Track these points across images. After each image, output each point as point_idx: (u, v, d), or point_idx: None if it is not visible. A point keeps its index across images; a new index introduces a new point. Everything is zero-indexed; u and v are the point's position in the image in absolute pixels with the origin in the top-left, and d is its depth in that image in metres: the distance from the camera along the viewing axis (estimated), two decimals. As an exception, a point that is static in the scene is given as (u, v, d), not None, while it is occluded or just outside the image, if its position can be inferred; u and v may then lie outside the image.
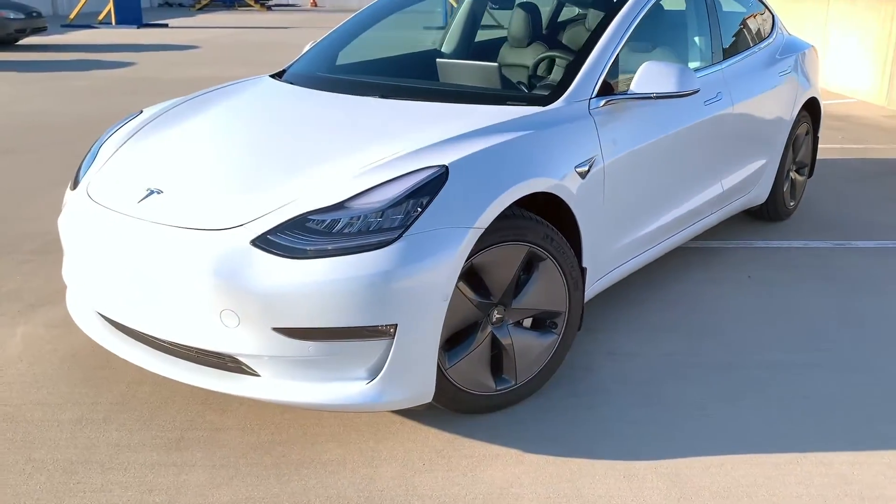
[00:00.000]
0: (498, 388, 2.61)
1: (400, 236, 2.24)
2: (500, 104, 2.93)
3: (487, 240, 2.41)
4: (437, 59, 3.69)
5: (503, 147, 2.55)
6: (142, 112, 3.29)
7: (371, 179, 2.37)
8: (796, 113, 4.47)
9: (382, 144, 2.58)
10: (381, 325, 2.24)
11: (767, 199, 4.47)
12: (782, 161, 4.44)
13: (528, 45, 4.05)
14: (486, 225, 2.36)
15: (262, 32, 19.50)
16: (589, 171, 2.79)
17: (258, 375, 2.35)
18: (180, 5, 32.35)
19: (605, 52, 3.05)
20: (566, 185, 2.68)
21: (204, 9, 30.00)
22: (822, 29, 10.22)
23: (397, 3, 4.12)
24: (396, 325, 2.24)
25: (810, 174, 5.01)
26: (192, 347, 2.39)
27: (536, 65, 3.60)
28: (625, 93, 2.99)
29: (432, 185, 2.33)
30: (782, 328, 3.33)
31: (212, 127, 3.02)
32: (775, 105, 4.24)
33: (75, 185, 2.92)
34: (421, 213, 2.28)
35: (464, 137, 2.57)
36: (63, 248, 2.81)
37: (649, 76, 2.94)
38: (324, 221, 2.29)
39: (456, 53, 4.40)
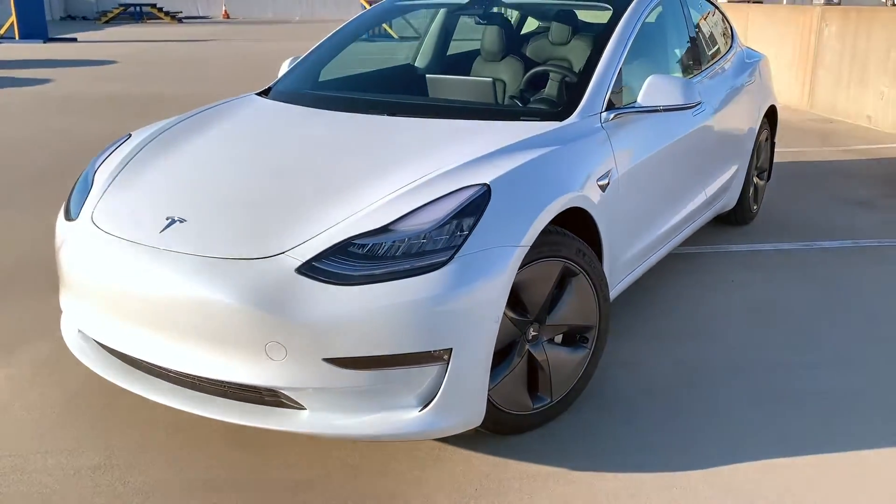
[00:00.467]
0: (535, 406, 2.58)
1: (451, 258, 2.19)
2: (514, 119, 2.92)
3: (527, 257, 2.38)
4: (428, 76, 3.65)
5: (538, 163, 2.54)
6: (130, 136, 3.13)
7: (412, 201, 2.31)
8: (761, 119, 4.64)
9: (412, 164, 2.52)
10: (436, 350, 2.18)
11: (736, 204, 4.62)
12: (749, 167, 4.61)
13: (502, 59, 4.05)
14: (531, 242, 2.34)
15: (181, 46, 18.94)
16: (608, 184, 2.82)
17: (303, 409, 2.25)
18: (84, 18, 31.12)
19: (611, 66, 3.09)
20: (592, 199, 2.69)
21: (110, 22, 28.94)
22: (742, 37, 10.65)
23: (375, 18, 4.06)
24: (451, 349, 2.19)
25: (768, 178, 5.21)
26: (228, 383, 2.27)
27: (530, 79, 3.61)
28: (632, 106, 3.03)
29: (476, 205, 2.30)
30: (777, 329, 3.43)
31: (219, 150, 2.90)
32: (745, 113, 4.39)
33: (69, 214, 2.75)
34: (469, 233, 2.24)
35: (496, 154, 2.54)
36: (64, 282, 2.62)
37: (655, 89, 2.99)
38: (371, 245, 2.22)
39: (430, 68, 4.37)
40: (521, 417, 2.56)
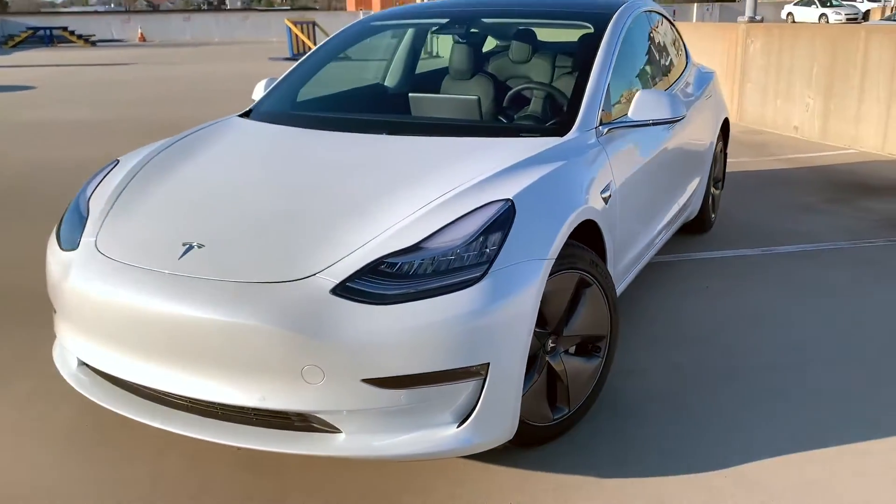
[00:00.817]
0: (555, 417, 2.61)
1: (486, 273, 2.20)
2: (514, 136, 2.97)
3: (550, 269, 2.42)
4: (411, 94, 3.66)
5: (553, 177, 2.58)
6: (118, 162, 3.03)
7: (439, 218, 2.32)
8: (718, 132, 4.84)
9: (428, 182, 2.53)
10: (474, 366, 2.19)
11: (698, 213, 4.79)
12: (709, 176, 4.79)
13: (471, 77, 4.11)
14: (556, 255, 2.38)
15: (100, 70, 18.37)
16: (609, 196, 2.89)
17: (339, 432, 2.22)
18: (-11, 43, 29.81)
19: (601, 81, 3.17)
20: (599, 211, 2.76)
21: (17, 46, 27.81)
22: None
23: (352, 38, 4.05)
24: (489, 363, 2.20)
25: (721, 187, 5.42)
26: (257, 409, 2.22)
27: (513, 97, 3.66)
28: (625, 120, 3.12)
29: (503, 220, 2.32)
30: (760, 331, 3.57)
31: (221, 173, 2.84)
32: (707, 126, 4.57)
33: (63, 244, 2.63)
34: (500, 248, 2.26)
35: (511, 170, 2.57)
36: (65, 313, 2.50)
37: (645, 104, 3.09)
38: (400, 264, 2.21)
39: (400, 86, 4.41)
40: (542, 429, 2.58)
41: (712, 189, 5.05)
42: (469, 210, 2.34)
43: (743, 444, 2.65)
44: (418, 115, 3.56)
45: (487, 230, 2.29)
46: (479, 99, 3.47)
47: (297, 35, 22.51)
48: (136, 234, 2.51)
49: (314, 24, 23.57)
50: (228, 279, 2.21)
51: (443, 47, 4.70)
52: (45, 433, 2.72)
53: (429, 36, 4.77)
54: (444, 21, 4.13)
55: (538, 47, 4.11)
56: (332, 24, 29.43)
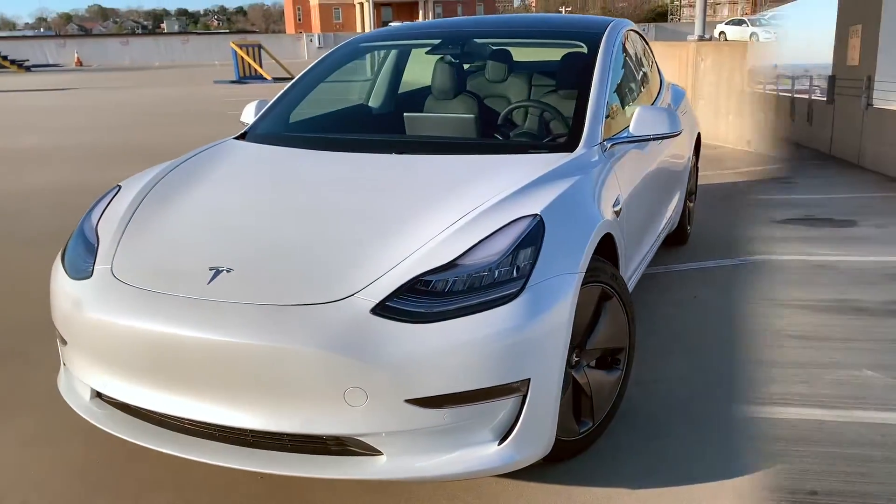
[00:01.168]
0: (581, 430, 2.63)
1: (523, 288, 2.21)
2: (524, 153, 3.00)
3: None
4: (405, 114, 3.67)
5: (573, 192, 2.61)
6: (120, 188, 2.95)
7: (471, 235, 2.32)
8: (693, 146, 4.97)
9: (451, 200, 2.52)
10: (516, 382, 2.19)
11: (678, 225, 4.90)
12: (686, 189, 4.91)
13: (455, 96, 4.13)
14: (585, 269, 2.40)
15: (39, 95, 17.86)
16: (620, 210, 2.93)
17: (380, 454, 2.18)
18: (-85, 69, 28.71)
19: (601, 96, 3.22)
20: (614, 224, 2.80)
21: (-53, 72, 26.87)
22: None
23: (342, 59, 4.04)
24: (530, 379, 2.21)
25: (694, 200, 5.56)
26: (293, 435, 2.17)
27: (507, 114, 3.70)
28: (627, 135, 3.17)
29: (534, 235, 2.33)
30: (756, 337, 3.65)
31: (234, 196, 2.79)
32: (685, 141, 4.69)
33: (71, 273, 2.54)
34: (534, 263, 2.27)
35: (532, 186, 2.59)
36: (81, 343, 2.41)
37: (645, 120, 3.15)
38: (437, 282, 2.20)
39: (386, 106, 4.41)
40: (570, 443, 2.58)
41: (688, 202, 5.17)
42: (499, 226, 2.35)
43: (759, 449, 2.70)
44: (416, 134, 3.56)
45: (520, 246, 2.30)
46: (476, 117, 3.50)
47: (242, 58, 22.31)
48: (156, 260, 2.44)
49: (260, 46, 23.39)
50: (265, 303, 2.17)
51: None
52: (56, 474, 2.60)
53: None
54: (435, 42, 4.15)
55: (525, 66, 4.17)
56: (276, 47, 29.29)
